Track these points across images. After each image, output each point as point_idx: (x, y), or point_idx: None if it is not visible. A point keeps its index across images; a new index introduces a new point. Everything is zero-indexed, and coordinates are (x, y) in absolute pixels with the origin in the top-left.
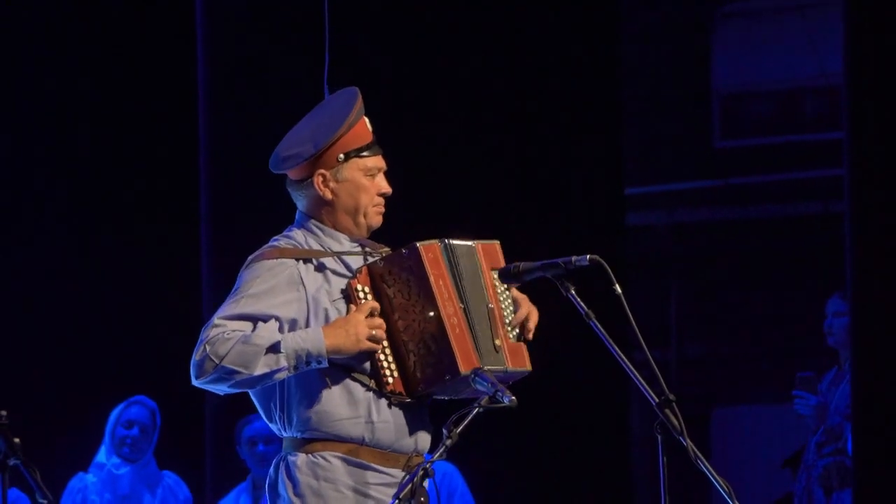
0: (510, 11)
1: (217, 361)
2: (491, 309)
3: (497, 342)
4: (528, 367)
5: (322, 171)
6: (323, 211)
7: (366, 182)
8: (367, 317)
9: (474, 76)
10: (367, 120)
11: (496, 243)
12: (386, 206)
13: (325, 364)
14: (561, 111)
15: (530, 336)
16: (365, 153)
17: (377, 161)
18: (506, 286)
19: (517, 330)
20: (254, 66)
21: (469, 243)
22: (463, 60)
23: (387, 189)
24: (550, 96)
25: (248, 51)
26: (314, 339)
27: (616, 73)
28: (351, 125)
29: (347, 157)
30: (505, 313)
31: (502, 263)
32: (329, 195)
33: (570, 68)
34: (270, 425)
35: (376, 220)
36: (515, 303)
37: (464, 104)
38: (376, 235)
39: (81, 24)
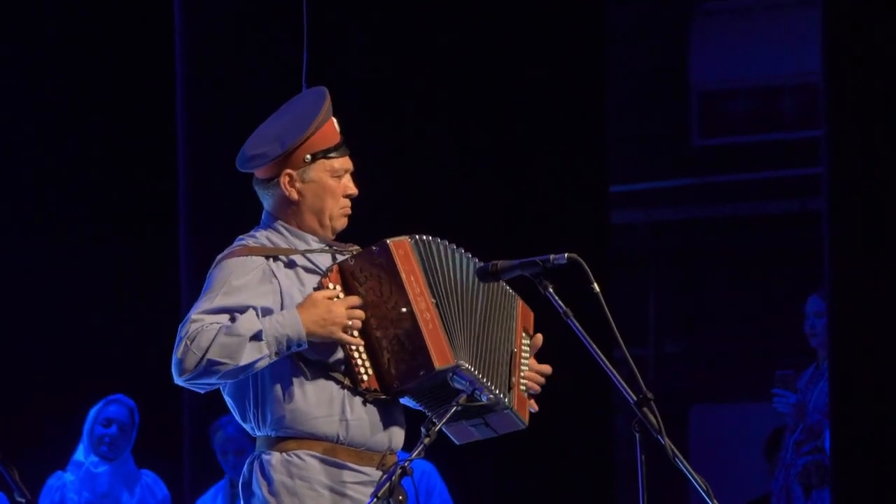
0: (493, 9)
1: (200, 355)
2: (514, 353)
3: (513, 380)
4: (525, 421)
5: (289, 171)
6: (289, 211)
7: (332, 183)
8: (346, 307)
9: (457, 75)
10: (335, 120)
11: (531, 314)
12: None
13: (304, 346)
14: (544, 109)
15: (528, 385)
16: (332, 154)
17: (344, 162)
18: (530, 343)
19: (526, 384)
20: (232, 61)
21: (509, 291)
22: (445, 59)
23: (353, 190)
24: (533, 94)
25: (227, 46)
26: (292, 323)
27: (600, 71)
28: (318, 126)
29: (314, 157)
30: (523, 364)
31: (532, 329)
32: (295, 195)
33: (554, 67)
34: (244, 424)
35: (341, 223)
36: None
37: (446, 102)
38: (356, 234)
39: (59, 23)
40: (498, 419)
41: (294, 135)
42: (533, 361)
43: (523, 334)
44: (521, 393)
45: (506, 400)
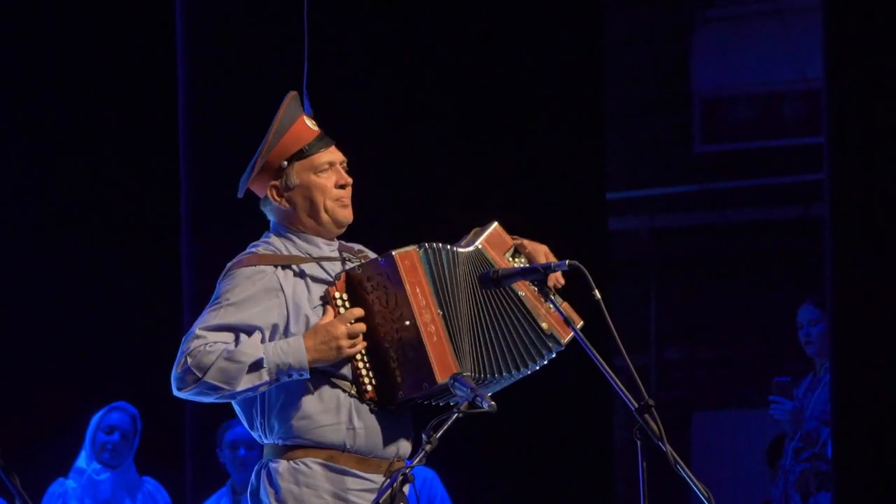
0: (493, 14)
1: (199, 376)
2: (524, 297)
3: (544, 325)
4: (579, 321)
5: (272, 183)
6: (288, 220)
7: (318, 180)
8: (345, 324)
9: (456, 79)
10: (306, 118)
11: (494, 227)
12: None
13: (306, 375)
14: (543, 115)
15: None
16: (310, 152)
17: (327, 155)
18: (514, 252)
19: (552, 296)
20: (234, 69)
21: (471, 248)
22: (445, 64)
23: (344, 180)
24: (532, 100)
25: (229, 50)
26: (296, 351)
27: (598, 77)
28: (283, 130)
29: (290, 161)
30: (534, 288)
31: (509, 242)
32: (286, 204)
33: (553, 72)
34: (251, 432)
35: (342, 215)
36: (529, 257)
37: (445, 106)
38: (360, 235)
39: (61, 28)
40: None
41: (260, 147)
42: (526, 249)
43: (508, 258)
44: (555, 315)
45: (553, 347)
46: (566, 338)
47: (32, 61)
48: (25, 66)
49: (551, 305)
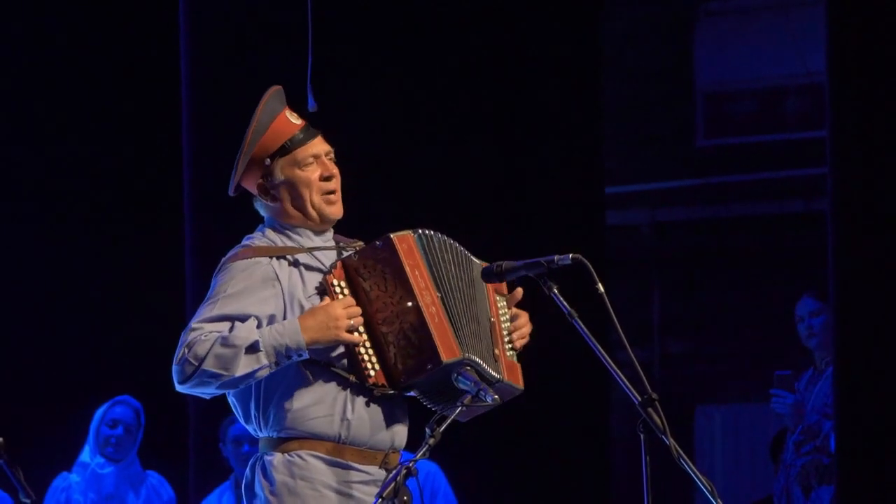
0: (492, 9)
1: (197, 365)
2: (493, 322)
3: (496, 352)
4: (521, 385)
5: (259, 181)
6: (278, 216)
7: (302, 174)
8: (344, 308)
9: (455, 75)
10: (288, 112)
11: None
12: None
13: (305, 356)
14: (542, 110)
15: (518, 345)
16: (293, 147)
17: (312, 148)
18: (505, 304)
19: (514, 348)
20: (237, 62)
21: (476, 260)
22: (444, 59)
23: (329, 171)
24: (531, 94)
25: (232, 42)
26: (292, 332)
27: (597, 71)
28: (263, 128)
29: (273, 158)
30: (504, 330)
31: (505, 291)
32: (274, 201)
33: (552, 66)
34: (247, 426)
35: (329, 211)
36: (514, 317)
37: (444, 103)
38: (360, 231)
39: (66, 24)
40: (496, 390)
41: (241, 147)
42: (514, 309)
43: (497, 297)
44: (509, 360)
45: (496, 374)
46: (504, 378)
47: (36, 56)
48: (29, 61)
49: (507, 337)
